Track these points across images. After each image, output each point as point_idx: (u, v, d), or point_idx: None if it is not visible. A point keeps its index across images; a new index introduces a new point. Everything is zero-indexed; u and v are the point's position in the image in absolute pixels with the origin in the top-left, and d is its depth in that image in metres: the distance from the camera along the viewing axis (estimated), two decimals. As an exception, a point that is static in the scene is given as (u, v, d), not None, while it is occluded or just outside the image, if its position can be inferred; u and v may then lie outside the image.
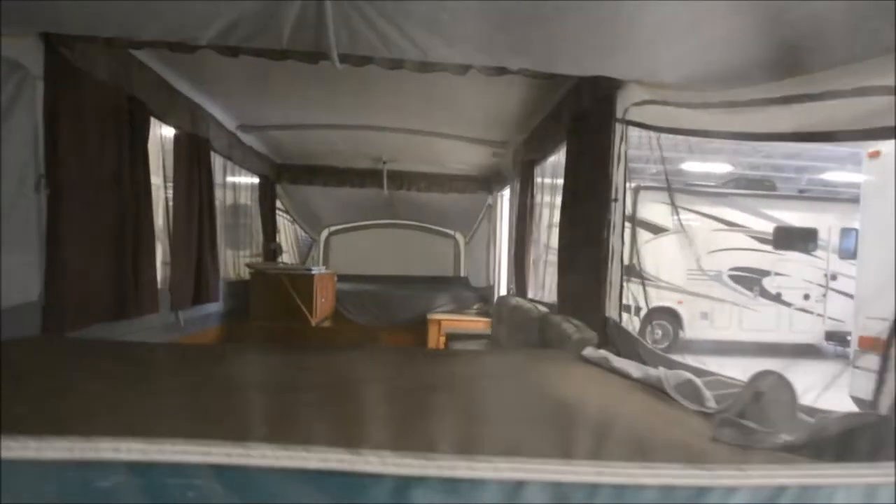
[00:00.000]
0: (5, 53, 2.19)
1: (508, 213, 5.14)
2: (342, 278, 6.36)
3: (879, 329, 5.07)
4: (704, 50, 1.79)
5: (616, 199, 2.56)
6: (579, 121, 3.03)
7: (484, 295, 6.38)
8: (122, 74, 2.92)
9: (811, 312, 10.89)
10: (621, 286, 2.52)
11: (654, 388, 1.73)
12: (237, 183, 5.28)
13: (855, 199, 11.93)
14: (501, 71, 2.47)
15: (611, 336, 2.53)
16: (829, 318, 10.87)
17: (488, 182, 6.27)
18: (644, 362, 2.12)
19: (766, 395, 1.30)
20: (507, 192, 5.75)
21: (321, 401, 1.29)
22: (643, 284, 2.55)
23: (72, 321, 2.55)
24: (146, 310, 3.14)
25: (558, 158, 3.87)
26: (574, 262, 3.05)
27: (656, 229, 8.51)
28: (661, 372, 1.77)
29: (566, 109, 3.26)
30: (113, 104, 2.89)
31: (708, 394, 1.52)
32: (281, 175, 6.14)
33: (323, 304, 5.25)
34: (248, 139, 5.02)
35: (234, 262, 5.20)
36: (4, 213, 2.19)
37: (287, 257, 6.76)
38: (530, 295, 4.19)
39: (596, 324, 2.63)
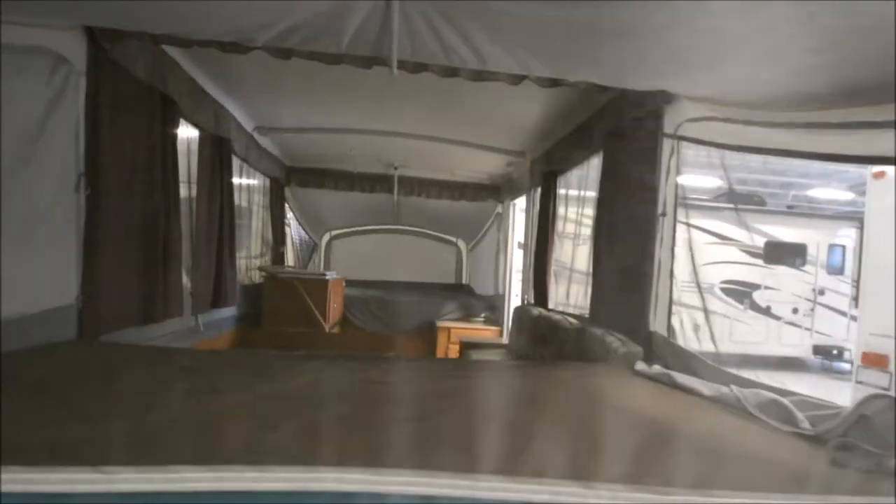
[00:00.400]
0: (50, 46, 2.11)
1: (525, 223, 5.12)
2: (346, 284, 6.29)
3: (882, 345, 5.22)
4: (783, 72, 1.79)
5: (664, 214, 2.56)
6: (618, 134, 3.04)
7: (491, 303, 6.35)
8: (155, 72, 2.84)
9: (799, 326, 11.10)
10: (670, 300, 2.52)
11: (730, 407, 1.73)
12: (239, 184, 5.17)
13: (841, 216, 12.26)
14: (555, 83, 2.46)
15: (657, 350, 2.53)
16: (817, 332, 11.09)
17: (498, 190, 6.27)
18: (699, 378, 2.11)
19: (875, 418, 1.30)
20: (518, 202, 5.76)
21: (446, 422, 1.24)
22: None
23: (106, 325, 2.46)
24: (172, 314, 3.04)
25: (584, 170, 3.88)
26: (611, 275, 3.04)
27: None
28: (736, 391, 1.77)
29: (601, 122, 3.25)
30: (148, 103, 2.81)
31: (800, 415, 1.51)
32: (290, 178, 6.05)
33: (334, 309, 5.18)
34: (263, 141, 4.94)
35: (242, 264, 5.09)
36: (45, 213, 2.11)
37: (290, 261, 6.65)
38: (551, 305, 4.17)
39: (638, 338, 2.62)
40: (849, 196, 12.35)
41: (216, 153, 3.77)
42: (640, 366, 2.31)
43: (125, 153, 2.59)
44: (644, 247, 2.67)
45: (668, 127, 2.56)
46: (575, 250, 3.89)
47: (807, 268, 10.99)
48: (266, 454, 0.97)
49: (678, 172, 2.51)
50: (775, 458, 1.24)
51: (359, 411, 1.27)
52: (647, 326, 2.62)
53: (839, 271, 11.24)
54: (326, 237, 7.71)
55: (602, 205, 3.22)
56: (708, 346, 2.49)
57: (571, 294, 3.91)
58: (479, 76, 2.42)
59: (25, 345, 1.90)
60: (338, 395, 1.54)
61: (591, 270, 3.36)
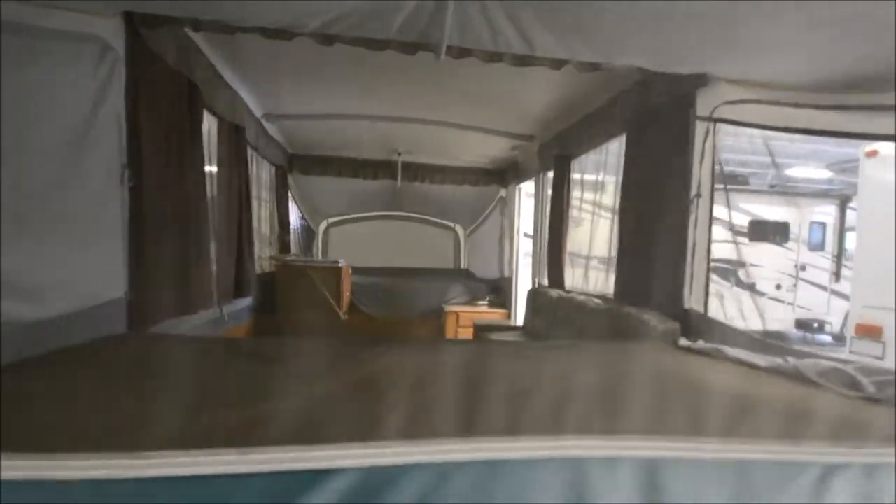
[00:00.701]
0: (92, 33, 2.06)
1: (534, 207, 5.17)
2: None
3: (875, 317, 5.45)
4: (835, 55, 1.86)
5: (700, 195, 2.63)
6: (644, 117, 3.09)
7: (496, 287, 6.42)
8: (183, 59, 2.78)
9: (782, 301, 11.47)
10: (707, 278, 2.60)
11: (789, 378, 1.81)
12: (249, 173, 5.12)
13: (821, 195, 12.61)
14: (595, 67, 2.49)
15: (694, 326, 2.61)
16: (798, 306, 11.46)
17: (502, 175, 6.30)
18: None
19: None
20: (524, 186, 5.81)
21: (565, 395, 1.28)
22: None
23: (150, 317, 2.44)
24: (206, 305, 3.03)
25: (602, 154, 3.94)
26: (639, 256, 3.11)
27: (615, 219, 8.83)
28: (794, 362, 1.85)
29: (625, 105, 3.30)
30: (177, 91, 2.76)
31: (865, 380, 1.60)
32: (293, 165, 5.98)
33: (346, 296, 5.18)
34: (269, 129, 4.87)
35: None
36: (97, 207, 2.07)
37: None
38: (567, 287, 4.25)
39: (671, 315, 2.70)
40: (827, 174, 12.73)
41: (233, 142, 3.71)
42: (684, 342, 2.40)
43: (160, 144, 2.54)
44: (676, 227, 2.75)
45: (701, 109, 2.62)
46: (593, 232, 3.96)
47: (790, 245, 11.35)
48: (423, 430, 1.00)
49: (714, 154, 2.57)
50: (865, 419, 1.32)
51: (470, 388, 1.30)
52: (681, 304, 2.70)
53: (820, 247, 11.61)
54: (323, 224, 7.66)
55: (627, 187, 3.28)
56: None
57: (590, 276, 3.99)
58: (523, 61, 2.44)
59: (83, 339, 1.88)
60: (429, 375, 1.56)
61: (615, 252, 3.43)
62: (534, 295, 4.57)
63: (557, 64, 2.45)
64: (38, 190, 1.67)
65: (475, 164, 6.24)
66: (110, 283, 2.18)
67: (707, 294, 2.61)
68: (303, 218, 7.04)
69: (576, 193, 4.23)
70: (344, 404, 1.17)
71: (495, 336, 4.47)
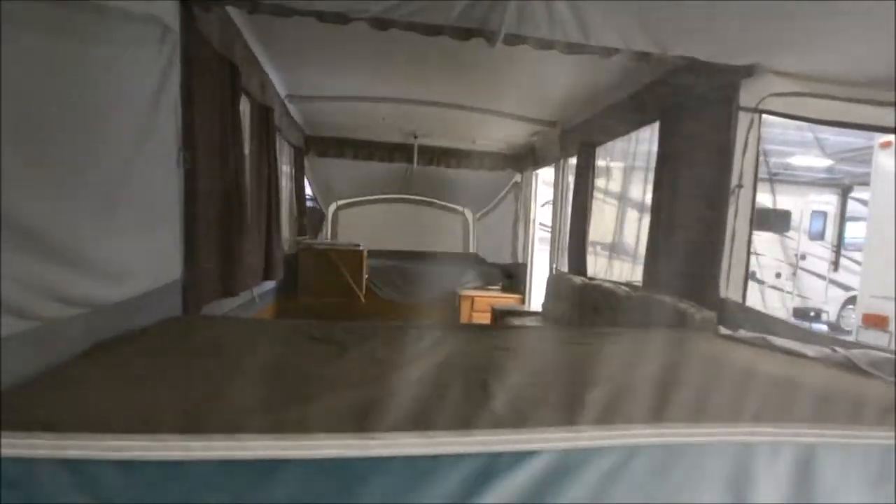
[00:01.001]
0: (154, 14, 2.04)
1: (553, 193, 5.19)
2: None
3: (882, 307, 5.57)
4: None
5: (741, 185, 2.67)
6: (681, 107, 3.11)
7: (508, 272, 6.47)
8: (226, 41, 2.77)
9: (781, 290, 11.62)
10: (747, 268, 2.65)
11: (840, 367, 1.88)
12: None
13: (822, 183, 12.71)
14: (645, 56, 2.51)
15: (730, 315, 2.67)
16: (798, 295, 11.63)
17: (517, 160, 6.30)
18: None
19: None
20: (541, 172, 5.83)
21: (649, 383, 1.33)
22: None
23: (202, 300, 2.46)
24: (246, 286, 3.05)
25: (631, 142, 3.96)
26: (672, 245, 3.16)
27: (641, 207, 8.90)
28: (843, 351, 1.92)
29: (659, 93, 3.31)
30: (221, 72, 2.75)
31: (920, 371, 1.67)
32: (309, 147, 5.95)
33: (365, 280, 5.21)
34: (290, 110, 4.84)
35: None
36: (160, 190, 2.08)
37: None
38: (590, 274, 4.30)
39: (705, 304, 2.76)
40: (827, 163, 12.83)
41: (263, 123, 3.70)
42: (724, 330, 2.46)
43: (208, 126, 2.54)
44: (713, 216, 2.79)
45: (745, 100, 2.65)
46: (621, 219, 4.00)
47: (790, 233, 11.48)
48: (541, 417, 1.04)
49: (759, 145, 2.61)
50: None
51: (552, 375, 1.35)
52: (717, 293, 2.76)
53: (820, 237, 11.75)
54: (332, 207, 7.65)
55: (660, 175, 3.31)
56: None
57: (613, 264, 4.04)
58: (573, 49, 2.44)
59: (149, 321, 1.91)
60: (496, 363, 1.60)
61: (644, 240, 3.46)
62: (555, 281, 4.62)
63: (608, 52, 2.46)
64: (117, 172, 1.68)
65: (491, 149, 6.24)
66: (169, 265, 2.20)
67: (746, 283, 2.67)
68: (312, 200, 7.02)
69: (602, 181, 4.25)
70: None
71: (516, 321, 4.53)
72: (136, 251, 1.83)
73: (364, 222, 7.65)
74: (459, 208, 8.06)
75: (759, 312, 2.57)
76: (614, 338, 2.23)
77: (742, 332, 2.37)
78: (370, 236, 7.27)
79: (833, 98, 2.18)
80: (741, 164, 2.67)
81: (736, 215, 2.69)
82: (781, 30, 2.10)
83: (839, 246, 11.71)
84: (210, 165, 2.55)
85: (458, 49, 2.52)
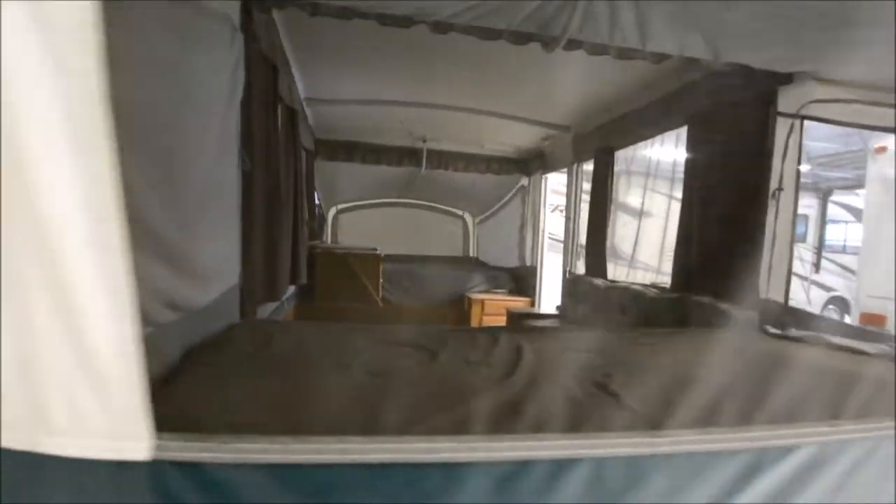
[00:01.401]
0: (226, 13, 2.01)
1: (567, 197, 5.24)
2: None
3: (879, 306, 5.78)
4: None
5: (782, 189, 2.74)
6: (712, 112, 3.19)
7: (515, 275, 6.51)
8: (270, 42, 2.74)
9: (765, 290, 11.90)
10: (790, 269, 2.73)
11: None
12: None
13: (803, 188, 13.07)
14: (694, 61, 2.56)
15: (772, 315, 2.74)
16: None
17: (525, 164, 6.35)
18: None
19: None
20: (551, 176, 5.89)
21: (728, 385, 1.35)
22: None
23: (255, 304, 2.43)
24: (283, 290, 3.01)
25: (653, 147, 4.04)
26: (703, 246, 3.23)
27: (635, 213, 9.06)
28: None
29: (689, 99, 3.38)
30: (265, 73, 2.71)
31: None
32: (318, 150, 5.90)
33: (380, 284, 5.19)
34: (308, 112, 4.80)
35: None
36: (228, 192, 2.05)
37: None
38: (610, 276, 4.36)
39: (747, 304, 2.82)
40: (805, 168, 13.24)
41: (289, 125, 3.66)
42: (772, 330, 2.52)
43: (261, 128, 2.51)
44: (751, 219, 2.86)
45: (783, 105, 2.73)
46: (641, 224, 4.07)
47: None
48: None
49: (800, 150, 2.69)
50: None
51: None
52: (757, 294, 2.83)
53: (802, 239, 12.09)
54: (333, 210, 7.60)
55: (689, 180, 3.38)
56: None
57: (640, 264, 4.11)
58: (624, 54, 2.48)
59: (215, 327, 1.87)
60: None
61: (674, 242, 3.53)
62: (574, 283, 4.66)
63: (659, 58, 2.51)
64: (206, 174, 1.65)
65: (499, 153, 6.27)
66: (232, 269, 2.16)
67: (788, 284, 2.74)
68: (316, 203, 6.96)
69: (623, 185, 4.32)
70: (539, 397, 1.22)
71: (537, 323, 4.56)
72: (215, 255, 1.80)
73: (364, 225, 7.62)
74: (459, 212, 8.09)
75: (805, 312, 2.65)
76: (674, 338, 2.26)
77: (793, 331, 2.44)
78: (370, 239, 7.24)
79: (879, 105, 2.27)
80: (780, 168, 2.75)
81: (776, 217, 2.77)
82: (838, 39, 2.18)
83: (820, 248, 12.06)
84: (262, 168, 2.51)
85: (472, 53, 2.51)
